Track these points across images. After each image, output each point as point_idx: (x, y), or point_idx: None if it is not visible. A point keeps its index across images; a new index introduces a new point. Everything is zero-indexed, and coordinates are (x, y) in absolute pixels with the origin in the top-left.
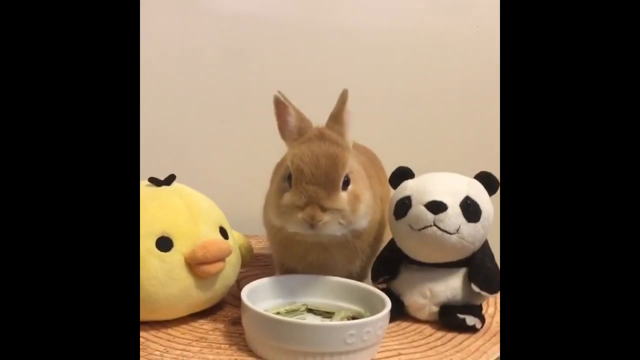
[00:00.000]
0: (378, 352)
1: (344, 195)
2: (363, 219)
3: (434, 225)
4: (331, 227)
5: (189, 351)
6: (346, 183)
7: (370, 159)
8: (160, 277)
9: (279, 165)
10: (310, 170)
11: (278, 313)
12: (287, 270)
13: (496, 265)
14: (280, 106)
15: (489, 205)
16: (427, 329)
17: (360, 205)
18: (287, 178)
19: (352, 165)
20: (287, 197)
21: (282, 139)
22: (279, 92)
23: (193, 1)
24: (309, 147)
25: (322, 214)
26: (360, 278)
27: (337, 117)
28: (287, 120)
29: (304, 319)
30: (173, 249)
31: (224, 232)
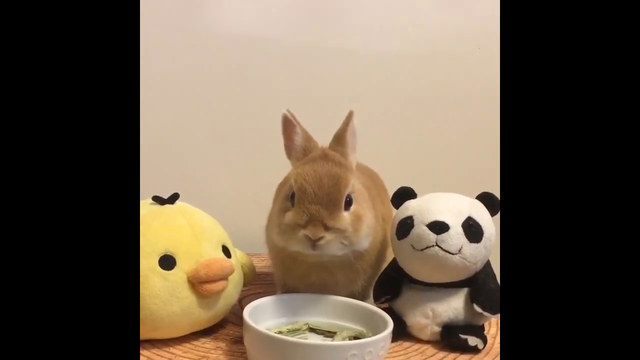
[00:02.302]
0: None
1: (346, 215)
2: (365, 240)
3: (436, 245)
4: (333, 246)
5: None
6: (348, 203)
7: (372, 179)
8: (163, 296)
9: (282, 185)
10: (313, 189)
11: (280, 332)
12: (289, 289)
13: (498, 285)
14: (288, 125)
15: (491, 225)
16: (429, 349)
17: (362, 226)
18: (290, 197)
19: (355, 186)
20: (290, 216)
21: (287, 157)
22: (287, 110)
23: (197, 22)
24: (312, 167)
25: (324, 232)
26: (363, 297)
27: (340, 138)
28: (293, 139)
29: (306, 338)
30: (176, 268)
31: (226, 251)
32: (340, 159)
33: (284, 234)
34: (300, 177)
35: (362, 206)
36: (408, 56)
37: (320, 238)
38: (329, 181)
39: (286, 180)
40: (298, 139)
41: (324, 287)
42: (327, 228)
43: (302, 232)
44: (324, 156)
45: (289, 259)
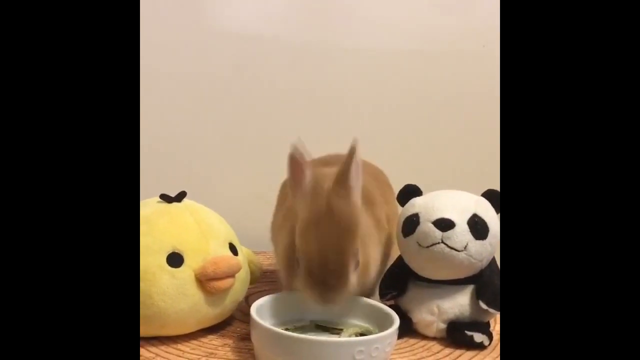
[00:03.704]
0: None
1: (353, 277)
2: (372, 278)
3: (442, 242)
4: (343, 300)
5: None
6: (356, 264)
7: (376, 177)
8: (171, 293)
9: (285, 186)
10: (320, 271)
11: (287, 329)
12: (294, 287)
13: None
14: (295, 165)
15: (496, 222)
16: (435, 346)
17: (369, 273)
18: (295, 255)
19: (360, 232)
20: (299, 283)
21: (290, 193)
22: (295, 148)
23: (201, 21)
24: (316, 237)
25: (333, 296)
26: (368, 295)
27: (343, 179)
28: (301, 180)
29: (313, 335)
30: (183, 265)
31: (233, 249)
32: (346, 216)
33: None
34: (306, 253)
35: (368, 251)
36: (412, 54)
37: (331, 300)
38: (335, 259)
39: (286, 185)
40: (306, 181)
41: None
42: (336, 294)
43: (310, 292)
44: (329, 215)
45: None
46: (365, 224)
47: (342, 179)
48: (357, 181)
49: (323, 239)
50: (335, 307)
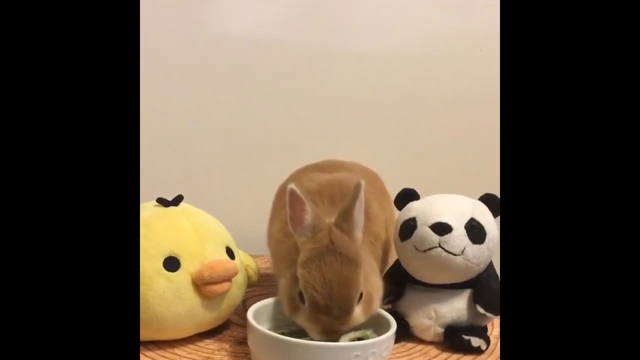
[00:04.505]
0: None
1: (358, 311)
2: (376, 306)
3: (439, 246)
4: (347, 331)
5: None
6: (360, 295)
7: (371, 181)
8: (167, 297)
9: (281, 193)
10: (325, 302)
11: (283, 333)
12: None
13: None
14: (296, 201)
15: (494, 226)
16: (433, 350)
17: (373, 302)
18: (298, 293)
19: (363, 266)
20: (302, 320)
21: (291, 230)
22: (295, 186)
23: (199, 23)
24: (319, 270)
25: (337, 335)
26: None
27: (347, 215)
28: (302, 217)
29: (310, 339)
30: (180, 269)
31: (230, 252)
32: (349, 249)
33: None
34: (309, 286)
35: (370, 283)
36: (410, 57)
37: (336, 336)
38: (339, 289)
39: (283, 192)
40: (308, 218)
41: None
42: (340, 331)
43: (316, 331)
44: (332, 248)
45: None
46: (367, 258)
47: (346, 216)
48: (360, 218)
49: (327, 271)
50: (339, 338)
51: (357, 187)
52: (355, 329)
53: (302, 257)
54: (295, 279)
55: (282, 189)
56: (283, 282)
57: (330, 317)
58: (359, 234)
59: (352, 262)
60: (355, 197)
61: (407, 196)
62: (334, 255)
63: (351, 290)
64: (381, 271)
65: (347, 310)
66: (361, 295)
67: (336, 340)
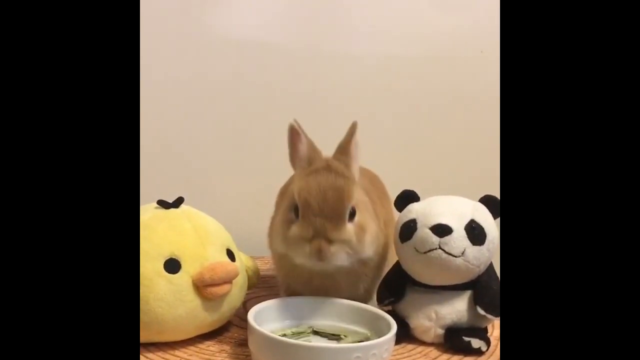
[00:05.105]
0: None
1: (350, 226)
2: (369, 249)
3: (439, 248)
4: (338, 258)
5: None
6: (352, 214)
7: (372, 182)
8: (168, 299)
9: (283, 192)
10: (317, 202)
11: (284, 335)
12: (292, 292)
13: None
14: (294, 134)
15: (494, 228)
16: (433, 352)
17: (366, 236)
18: (293, 209)
19: (358, 197)
20: (295, 230)
21: (292, 167)
22: (295, 120)
23: (199, 26)
24: (315, 180)
25: (329, 246)
26: (366, 300)
27: (344, 149)
28: (298, 148)
29: (310, 341)
30: (181, 271)
31: (231, 254)
32: (344, 170)
33: (290, 247)
34: (304, 190)
35: (365, 216)
36: (410, 59)
37: (326, 253)
38: (332, 194)
39: (287, 187)
40: (303, 149)
41: (326, 291)
42: (331, 241)
43: (307, 247)
44: (327, 167)
45: (292, 265)
46: (364, 200)
47: (343, 149)
48: (355, 158)
49: (321, 180)
50: (331, 261)
51: (353, 125)
52: (356, 332)
53: (298, 175)
54: (290, 210)
55: (285, 188)
56: (277, 219)
57: (322, 218)
58: (355, 170)
59: (346, 177)
60: (351, 134)
61: (407, 198)
62: (330, 171)
63: (343, 196)
64: (381, 272)
65: (339, 214)
66: (353, 211)
67: (325, 261)
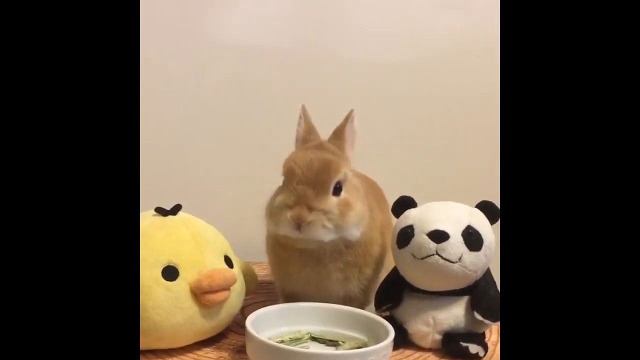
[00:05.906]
0: None
1: (333, 199)
2: (353, 228)
3: (437, 254)
4: (317, 228)
5: None
6: (338, 189)
7: (371, 187)
8: (166, 306)
9: None
10: (302, 170)
11: (282, 341)
12: (289, 295)
13: (498, 293)
14: (299, 118)
15: (491, 233)
16: (431, 357)
17: (350, 212)
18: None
19: (348, 176)
20: (279, 198)
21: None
22: (302, 106)
23: (198, 32)
24: (304, 152)
25: (308, 213)
26: (363, 305)
27: (340, 133)
28: (297, 131)
29: (308, 348)
30: (179, 278)
31: (228, 261)
32: (336, 150)
33: (273, 215)
34: (290, 160)
35: (353, 195)
36: (408, 64)
37: (304, 219)
38: (318, 164)
39: None
40: (300, 131)
41: (319, 283)
42: (312, 209)
43: (288, 214)
44: (319, 145)
45: (280, 248)
46: (356, 184)
47: (339, 133)
48: (350, 142)
49: (309, 152)
50: (309, 231)
51: (350, 112)
52: (354, 338)
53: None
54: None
55: None
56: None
57: (304, 185)
58: (348, 152)
59: (335, 154)
60: (347, 120)
61: (404, 204)
62: (321, 148)
63: (330, 167)
64: (377, 273)
65: (322, 183)
66: (339, 186)
67: (305, 226)
